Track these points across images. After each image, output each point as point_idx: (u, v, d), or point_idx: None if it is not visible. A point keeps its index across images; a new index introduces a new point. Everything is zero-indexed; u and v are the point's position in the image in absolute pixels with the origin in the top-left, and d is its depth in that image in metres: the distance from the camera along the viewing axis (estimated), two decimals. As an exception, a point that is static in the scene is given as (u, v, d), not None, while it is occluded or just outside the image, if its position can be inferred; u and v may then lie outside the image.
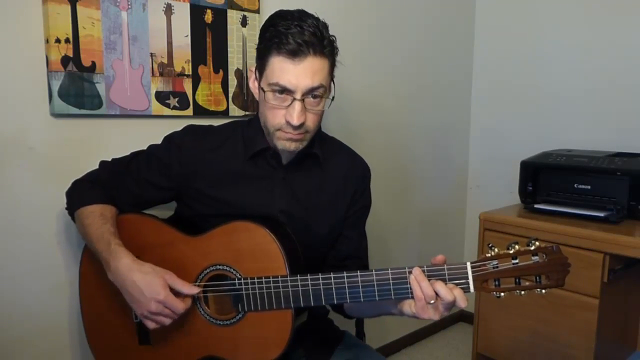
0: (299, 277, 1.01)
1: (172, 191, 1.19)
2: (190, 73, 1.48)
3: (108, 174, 1.20)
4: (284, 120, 1.04)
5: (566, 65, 2.17)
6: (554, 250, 0.93)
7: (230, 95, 1.58)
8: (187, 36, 1.46)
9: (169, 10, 1.42)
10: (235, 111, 1.59)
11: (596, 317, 1.64)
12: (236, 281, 1.05)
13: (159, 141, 1.21)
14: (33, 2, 1.22)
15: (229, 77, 1.56)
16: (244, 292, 1.05)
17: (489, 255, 0.95)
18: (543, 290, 0.94)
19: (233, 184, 1.15)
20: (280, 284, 1.02)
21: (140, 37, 1.37)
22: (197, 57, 1.49)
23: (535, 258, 0.93)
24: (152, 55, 1.40)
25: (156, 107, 1.43)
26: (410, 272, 0.95)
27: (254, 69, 1.12)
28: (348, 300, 1.00)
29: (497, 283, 0.94)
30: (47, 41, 1.24)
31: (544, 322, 1.77)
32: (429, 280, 0.94)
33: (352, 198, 1.22)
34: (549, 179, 1.90)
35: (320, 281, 1.00)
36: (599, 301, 1.63)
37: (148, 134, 1.25)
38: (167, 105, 1.45)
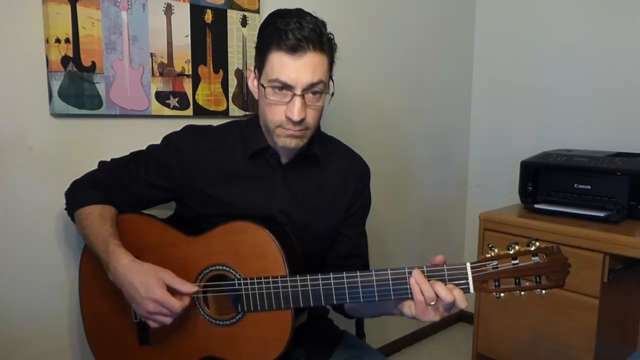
0: (298, 278, 1.01)
1: (171, 191, 1.19)
2: (190, 73, 1.48)
3: (107, 175, 1.20)
4: (284, 117, 1.04)
5: (566, 65, 2.17)
6: (554, 250, 0.93)
7: (230, 95, 1.58)
8: (187, 36, 1.46)
9: (169, 10, 1.42)
10: (235, 111, 1.59)
11: (596, 317, 1.64)
12: (236, 281, 1.05)
13: (158, 141, 1.21)
14: (33, 2, 1.22)
15: (229, 77, 1.56)
16: (243, 292, 1.05)
17: (489, 255, 0.94)
18: (543, 291, 0.94)
19: (232, 183, 1.15)
20: (279, 285, 1.02)
21: (140, 37, 1.37)
22: (197, 57, 1.49)
23: (535, 258, 0.93)
24: (152, 55, 1.40)
25: (156, 107, 1.43)
26: (410, 273, 0.95)
27: (252, 68, 1.12)
28: (348, 301, 1.00)
29: (497, 283, 0.94)
30: (47, 41, 1.24)
31: (544, 322, 1.77)
32: (429, 280, 0.94)
33: (351, 198, 1.22)
34: (549, 179, 1.90)
35: (320, 282, 1.00)
36: (599, 301, 1.63)
37: (148, 134, 1.25)
38: (167, 105, 1.45)
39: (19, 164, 1.26)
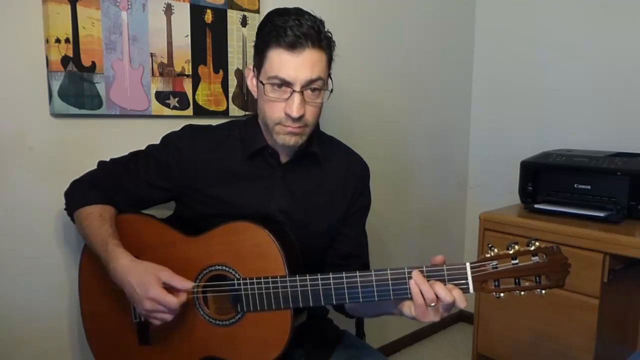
0: (297, 278, 1.01)
1: (171, 191, 1.19)
2: (190, 73, 1.48)
3: (106, 174, 1.20)
4: (284, 114, 1.04)
5: (566, 65, 2.17)
6: (554, 250, 0.93)
7: (230, 95, 1.58)
8: (187, 36, 1.46)
9: (169, 10, 1.42)
10: (235, 111, 1.59)
11: (596, 317, 1.64)
12: (235, 281, 1.05)
13: (158, 141, 1.21)
14: (33, 2, 1.22)
15: (229, 77, 1.56)
16: (242, 292, 1.05)
17: (489, 255, 0.94)
18: (543, 291, 0.94)
19: (232, 183, 1.15)
20: (279, 285, 1.02)
21: (140, 37, 1.37)
22: (197, 57, 1.49)
23: (535, 258, 0.93)
24: (152, 55, 1.40)
25: (156, 107, 1.43)
26: (409, 273, 0.95)
27: (251, 67, 1.12)
28: (347, 301, 1.00)
29: (496, 283, 0.94)
30: (47, 41, 1.24)
31: (544, 322, 1.77)
32: (428, 281, 0.94)
33: (351, 198, 1.22)
34: (549, 179, 1.90)
35: (319, 282, 1.00)
36: (599, 301, 1.63)
37: (148, 134, 1.25)
38: (167, 105, 1.45)
39: (19, 164, 1.26)
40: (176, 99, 1.46)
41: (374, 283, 0.98)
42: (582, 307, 1.66)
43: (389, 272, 0.97)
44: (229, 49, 1.55)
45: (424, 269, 0.95)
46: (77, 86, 1.28)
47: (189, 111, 1.49)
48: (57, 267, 1.34)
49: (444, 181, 2.47)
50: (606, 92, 2.07)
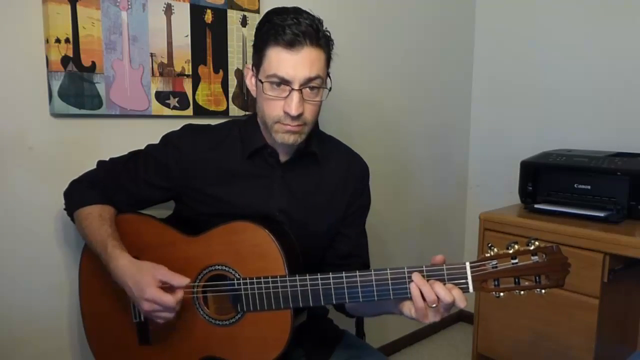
0: (297, 278, 1.01)
1: (170, 191, 1.19)
2: (190, 73, 1.48)
3: (106, 174, 1.20)
4: (282, 112, 1.04)
5: (566, 65, 2.17)
6: (554, 250, 0.93)
7: (230, 95, 1.58)
8: (187, 36, 1.46)
9: (169, 10, 1.42)
10: (235, 111, 1.59)
11: (596, 317, 1.64)
12: (235, 281, 1.05)
13: (158, 141, 1.21)
14: (33, 2, 1.22)
15: (229, 77, 1.56)
16: (242, 292, 1.05)
17: (489, 255, 0.94)
18: (543, 291, 0.94)
19: (231, 183, 1.15)
20: (279, 284, 1.02)
21: (140, 37, 1.37)
22: (197, 57, 1.49)
23: (535, 258, 0.93)
24: (152, 55, 1.40)
25: (156, 107, 1.43)
26: (409, 274, 0.95)
27: (250, 66, 1.12)
28: (347, 301, 1.00)
29: (496, 283, 0.94)
30: (47, 41, 1.24)
31: (544, 322, 1.77)
32: (428, 281, 0.94)
33: (350, 197, 1.22)
34: (549, 179, 1.90)
35: (319, 281, 1.00)
36: (599, 301, 1.63)
37: (148, 134, 1.25)
38: (167, 105, 1.45)
39: (19, 164, 1.26)
40: (176, 99, 1.46)
41: (374, 283, 0.98)
42: (582, 307, 1.66)
43: (388, 272, 0.97)
44: (229, 49, 1.55)
45: (424, 268, 0.95)
46: (77, 86, 1.28)
47: (189, 111, 1.49)
48: (57, 267, 1.34)
49: (444, 181, 2.47)
50: (606, 92, 2.07)
